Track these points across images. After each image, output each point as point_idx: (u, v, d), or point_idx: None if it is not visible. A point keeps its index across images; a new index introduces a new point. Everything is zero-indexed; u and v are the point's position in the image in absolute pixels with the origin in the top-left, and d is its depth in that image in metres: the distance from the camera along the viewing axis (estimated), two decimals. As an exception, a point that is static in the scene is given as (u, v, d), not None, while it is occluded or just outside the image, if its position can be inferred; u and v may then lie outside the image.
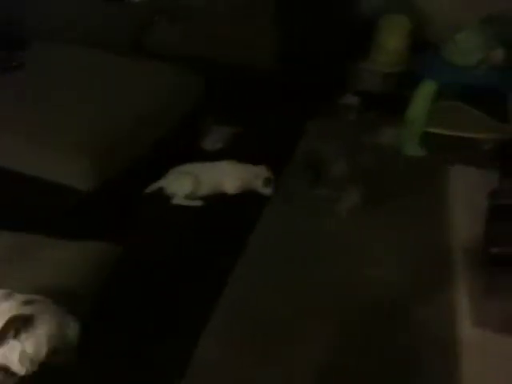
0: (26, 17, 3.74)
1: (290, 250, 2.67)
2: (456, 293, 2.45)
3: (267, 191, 3.04)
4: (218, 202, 2.94)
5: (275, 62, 3.52)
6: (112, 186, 2.54)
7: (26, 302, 1.68)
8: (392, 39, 3.89)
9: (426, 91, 3.50)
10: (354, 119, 3.89)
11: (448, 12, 3.83)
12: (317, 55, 3.56)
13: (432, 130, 3.53)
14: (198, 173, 2.99)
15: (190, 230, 2.75)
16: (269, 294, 2.40)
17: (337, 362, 2.11)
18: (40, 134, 2.52)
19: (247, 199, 2.98)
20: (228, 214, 2.87)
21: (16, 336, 1.60)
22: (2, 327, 1.60)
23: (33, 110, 2.73)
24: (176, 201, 2.92)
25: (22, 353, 1.61)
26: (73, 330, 1.70)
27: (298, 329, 2.25)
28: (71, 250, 2.30)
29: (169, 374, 1.99)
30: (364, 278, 2.51)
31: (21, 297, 1.72)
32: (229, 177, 3.02)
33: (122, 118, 2.72)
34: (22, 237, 2.33)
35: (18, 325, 1.61)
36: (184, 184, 2.93)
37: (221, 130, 3.50)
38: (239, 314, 2.30)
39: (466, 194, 3.09)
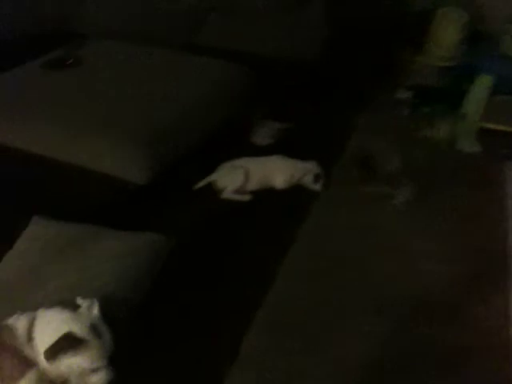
0: (83, 14, 3.85)
1: (341, 246, 2.65)
2: (510, 293, 2.38)
3: (317, 187, 3.02)
4: (267, 196, 2.95)
5: (326, 55, 3.50)
6: (164, 178, 2.59)
7: (92, 326, 1.74)
8: (447, 32, 3.81)
9: (482, 85, 3.42)
10: (407, 114, 3.83)
11: (504, 4, 3.73)
12: (369, 48, 3.52)
13: (488, 125, 3.44)
14: (248, 167, 3.00)
15: (239, 224, 2.76)
16: (319, 286, 2.39)
17: (388, 355, 2.09)
18: (95, 128, 2.60)
19: (296, 195, 2.98)
20: (277, 209, 2.87)
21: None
22: (56, 341, 1.66)
23: (89, 105, 2.81)
24: (225, 195, 2.94)
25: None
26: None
27: (350, 321, 2.24)
28: (125, 241, 2.37)
29: (219, 361, 2.01)
30: (416, 272, 2.47)
31: (96, 316, 1.78)
32: (278, 172, 3.02)
33: (175, 111, 2.77)
34: (77, 227, 2.40)
35: (69, 343, 1.67)
36: (234, 178, 2.94)
37: (271, 124, 3.50)
38: (289, 303, 2.31)
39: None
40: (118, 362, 1.75)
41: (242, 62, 3.29)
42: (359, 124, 3.66)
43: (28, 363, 1.71)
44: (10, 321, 1.77)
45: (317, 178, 3.00)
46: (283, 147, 3.31)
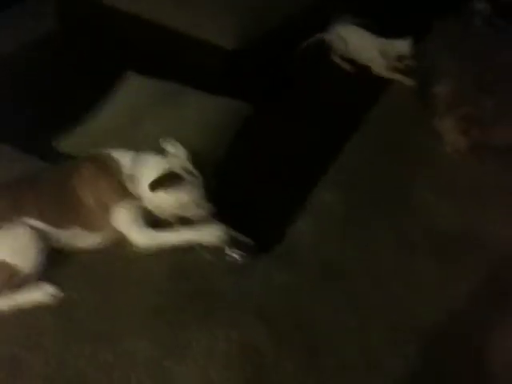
0: None
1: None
2: None
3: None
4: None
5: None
6: (258, 45, 2.76)
7: (185, 169, 2.04)
8: None
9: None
10: (480, 25, 3.84)
11: None
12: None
13: None
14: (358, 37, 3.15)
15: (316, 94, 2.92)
16: (382, 161, 2.57)
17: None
18: None
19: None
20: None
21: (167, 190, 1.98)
22: (161, 176, 1.97)
23: None
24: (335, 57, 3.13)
25: (155, 198, 2.01)
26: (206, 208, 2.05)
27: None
28: (212, 101, 2.63)
29: (289, 209, 2.30)
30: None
31: (186, 163, 2.08)
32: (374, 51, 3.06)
33: None
34: (173, 86, 2.69)
35: (173, 181, 1.98)
36: (350, 41, 3.12)
37: (350, 18, 3.59)
38: (356, 168, 2.52)
39: None
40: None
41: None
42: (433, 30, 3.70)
43: (126, 192, 2.03)
44: (115, 154, 2.08)
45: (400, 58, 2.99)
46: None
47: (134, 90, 2.68)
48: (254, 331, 1.82)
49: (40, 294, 1.85)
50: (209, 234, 2.02)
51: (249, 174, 2.43)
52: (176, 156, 2.11)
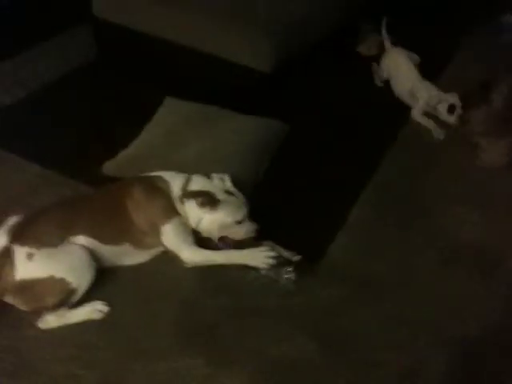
0: None
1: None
2: None
3: (451, 119, 2.90)
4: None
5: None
6: (287, 68, 2.85)
7: (228, 192, 2.13)
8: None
9: None
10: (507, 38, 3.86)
11: None
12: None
13: None
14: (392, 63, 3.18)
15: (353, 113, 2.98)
16: (418, 178, 2.64)
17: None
18: (226, 17, 2.81)
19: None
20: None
21: (200, 205, 2.07)
22: (195, 191, 2.09)
23: None
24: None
25: (198, 221, 2.10)
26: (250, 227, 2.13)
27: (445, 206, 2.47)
28: (249, 122, 2.71)
29: (329, 225, 2.35)
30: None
31: (228, 185, 2.18)
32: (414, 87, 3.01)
33: (301, 5, 2.93)
34: (212, 108, 2.79)
35: (205, 201, 2.06)
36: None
37: (377, 36, 3.65)
38: (392, 186, 2.56)
39: None
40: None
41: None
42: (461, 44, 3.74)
43: (175, 212, 2.11)
44: (166, 175, 2.17)
45: (451, 108, 2.88)
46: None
47: (174, 114, 2.76)
48: (303, 347, 1.87)
49: (89, 311, 1.92)
50: (256, 257, 2.06)
51: (287, 192, 2.49)
52: (221, 179, 2.19)
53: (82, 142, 2.69)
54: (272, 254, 2.04)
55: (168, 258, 2.12)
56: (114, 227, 2.06)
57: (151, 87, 3.02)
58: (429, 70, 3.16)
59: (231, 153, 2.53)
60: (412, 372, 1.82)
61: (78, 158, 2.59)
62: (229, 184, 2.19)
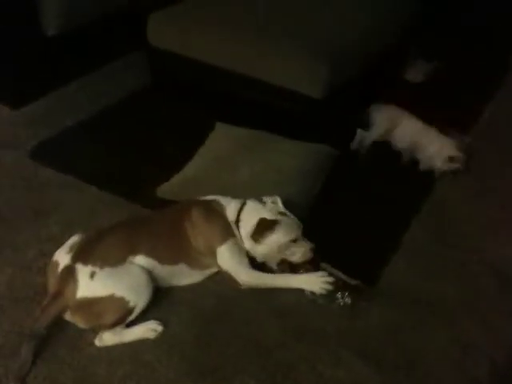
0: None
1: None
2: None
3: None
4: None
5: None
6: (339, 94, 2.87)
7: (280, 213, 2.16)
8: None
9: None
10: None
11: None
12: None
13: None
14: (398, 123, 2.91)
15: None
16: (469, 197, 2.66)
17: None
18: (280, 44, 2.84)
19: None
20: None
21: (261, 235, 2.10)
22: (256, 228, 2.10)
23: (273, 20, 3.01)
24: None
25: (254, 246, 2.13)
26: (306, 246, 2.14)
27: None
28: (299, 148, 2.74)
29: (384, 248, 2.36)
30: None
31: (281, 207, 2.21)
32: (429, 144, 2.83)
33: (353, 30, 2.96)
34: (262, 133, 2.84)
35: (265, 226, 2.09)
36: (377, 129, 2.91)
37: (424, 63, 3.67)
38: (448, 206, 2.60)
39: None
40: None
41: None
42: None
43: (229, 232, 2.15)
44: (222, 200, 2.22)
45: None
46: (435, 85, 3.53)
47: (225, 139, 2.81)
48: (360, 370, 1.86)
49: (144, 330, 1.95)
50: (313, 282, 2.07)
51: (339, 216, 2.50)
52: (273, 202, 2.22)
53: (137, 165, 2.75)
54: (330, 279, 2.05)
55: (220, 279, 2.15)
56: (172, 248, 2.10)
57: (203, 113, 3.09)
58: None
59: (283, 177, 2.56)
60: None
61: (133, 180, 2.65)
62: (281, 206, 2.22)
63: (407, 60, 3.66)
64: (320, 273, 2.08)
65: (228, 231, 2.15)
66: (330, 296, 2.03)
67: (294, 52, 2.80)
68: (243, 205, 2.19)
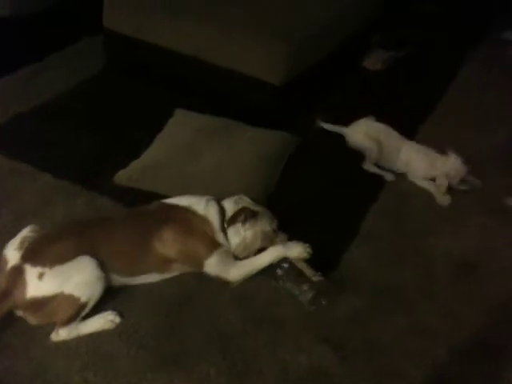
0: None
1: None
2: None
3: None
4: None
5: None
6: (300, 82, 2.88)
7: (254, 205, 2.15)
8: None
9: None
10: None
11: None
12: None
13: None
14: (382, 140, 2.76)
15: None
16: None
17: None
18: (239, 30, 2.81)
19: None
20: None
21: (242, 224, 2.08)
22: (235, 213, 2.09)
23: (233, 6, 2.95)
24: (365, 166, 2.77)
25: (242, 240, 2.10)
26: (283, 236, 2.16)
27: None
28: (261, 135, 2.73)
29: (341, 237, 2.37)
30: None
31: (249, 201, 2.18)
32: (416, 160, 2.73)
33: (314, 17, 2.95)
34: (223, 120, 2.81)
35: (247, 214, 2.08)
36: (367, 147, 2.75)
37: (383, 52, 3.70)
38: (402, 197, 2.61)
39: None
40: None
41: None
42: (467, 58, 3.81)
43: (214, 244, 2.07)
44: (197, 208, 2.09)
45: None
46: (393, 74, 3.58)
47: (184, 126, 2.77)
48: (321, 355, 1.86)
49: (101, 322, 1.90)
50: (295, 247, 2.07)
51: (299, 203, 2.49)
52: (240, 198, 2.19)
53: (93, 152, 2.68)
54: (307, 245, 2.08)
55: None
56: (135, 261, 2.01)
57: (161, 99, 3.04)
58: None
59: (245, 164, 2.54)
60: (434, 381, 1.83)
61: (89, 167, 2.58)
62: (249, 201, 2.18)
63: (367, 48, 3.69)
64: (297, 243, 2.10)
65: (212, 243, 2.06)
66: (298, 284, 2.02)
67: (255, 39, 2.77)
68: (223, 210, 2.11)
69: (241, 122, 2.79)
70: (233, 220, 2.08)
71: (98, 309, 1.91)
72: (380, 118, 2.89)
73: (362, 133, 2.79)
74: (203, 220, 2.07)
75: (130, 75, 3.22)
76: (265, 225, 2.11)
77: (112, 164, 2.55)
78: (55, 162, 2.59)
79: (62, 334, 1.85)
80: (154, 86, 3.13)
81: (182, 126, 2.77)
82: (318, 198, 2.56)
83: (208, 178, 2.41)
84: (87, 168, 2.58)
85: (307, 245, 2.08)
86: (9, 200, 2.36)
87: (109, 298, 1.94)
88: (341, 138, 2.88)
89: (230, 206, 2.13)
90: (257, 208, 2.14)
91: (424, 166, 2.69)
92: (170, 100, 2.98)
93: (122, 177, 2.49)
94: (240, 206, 2.11)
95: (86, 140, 2.75)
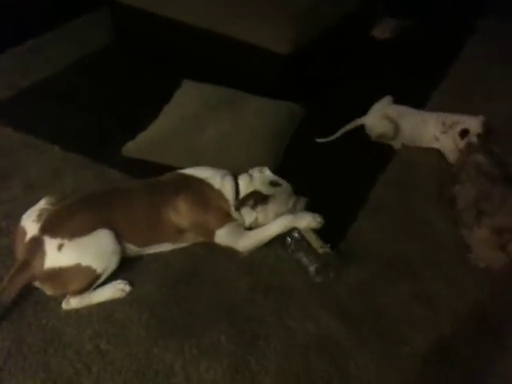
0: None
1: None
2: None
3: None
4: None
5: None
6: (306, 52, 2.85)
7: (273, 183, 2.13)
8: None
9: None
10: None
11: None
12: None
13: None
14: (398, 121, 2.71)
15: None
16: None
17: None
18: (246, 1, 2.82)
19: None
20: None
21: (253, 207, 2.07)
22: (244, 196, 2.07)
23: None
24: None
25: (254, 220, 2.11)
26: (301, 204, 2.16)
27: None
28: (268, 105, 2.72)
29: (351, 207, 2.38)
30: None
31: (270, 176, 2.15)
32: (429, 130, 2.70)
33: None
34: (230, 91, 2.79)
35: (257, 199, 2.07)
36: (384, 129, 2.71)
37: (391, 21, 3.66)
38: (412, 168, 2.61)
39: None
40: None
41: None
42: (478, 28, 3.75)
43: (227, 216, 2.09)
44: (212, 180, 2.10)
45: (464, 133, 2.59)
46: (400, 43, 3.55)
47: (192, 97, 2.76)
48: (327, 323, 1.89)
49: (112, 291, 1.94)
50: (305, 217, 2.08)
51: (307, 174, 2.50)
52: (260, 171, 2.17)
53: (102, 125, 2.70)
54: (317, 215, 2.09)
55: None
56: (150, 231, 2.04)
57: (168, 70, 3.04)
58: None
59: (252, 135, 2.54)
60: (438, 349, 1.85)
61: (97, 139, 2.60)
62: (270, 174, 2.17)
63: (375, 17, 3.64)
64: (308, 212, 2.11)
65: (225, 215, 2.08)
66: (307, 255, 2.03)
67: (262, 8, 2.75)
68: (237, 184, 2.11)
69: (247, 93, 2.78)
70: (242, 203, 2.07)
71: (108, 278, 1.93)
72: (392, 92, 2.85)
73: (381, 118, 2.71)
74: (219, 194, 2.08)
75: (139, 48, 3.22)
76: (278, 206, 2.10)
77: (120, 136, 2.56)
78: (63, 134, 2.61)
79: (72, 303, 1.90)
80: (162, 60, 3.12)
81: (188, 98, 2.76)
82: (326, 168, 2.56)
83: (215, 149, 2.42)
84: (95, 141, 2.60)
85: (317, 215, 2.09)
86: (19, 171, 2.40)
87: (118, 267, 1.96)
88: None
89: (244, 184, 2.11)
90: (271, 191, 2.09)
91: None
92: (177, 72, 2.95)
93: (131, 148, 2.50)
94: (253, 187, 2.09)
95: (94, 114, 2.77)
